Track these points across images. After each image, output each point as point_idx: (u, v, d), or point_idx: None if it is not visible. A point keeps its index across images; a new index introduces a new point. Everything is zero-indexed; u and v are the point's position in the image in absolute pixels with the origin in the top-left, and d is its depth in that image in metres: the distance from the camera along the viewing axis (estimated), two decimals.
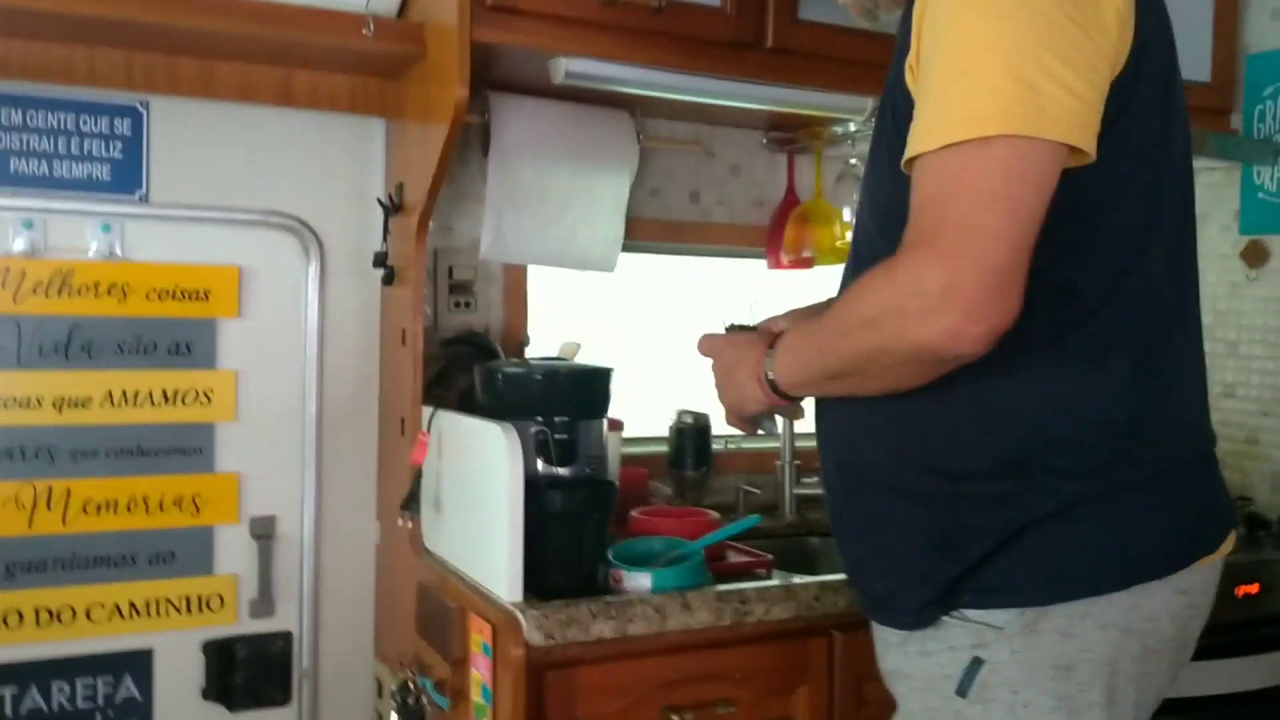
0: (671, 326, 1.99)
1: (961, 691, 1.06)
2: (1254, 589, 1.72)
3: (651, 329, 2.06)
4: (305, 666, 1.74)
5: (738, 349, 1.21)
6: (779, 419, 1.39)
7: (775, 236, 2.01)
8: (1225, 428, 2.10)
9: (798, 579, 1.45)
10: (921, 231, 0.92)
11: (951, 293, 0.88)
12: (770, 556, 1.55)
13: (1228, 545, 1.12)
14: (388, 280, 1.71)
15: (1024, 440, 1.03)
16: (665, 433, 1.96)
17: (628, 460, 1.82)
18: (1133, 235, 1.03)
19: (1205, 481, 1.09)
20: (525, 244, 1.71)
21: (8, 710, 1.59)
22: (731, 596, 1.36)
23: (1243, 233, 2.07)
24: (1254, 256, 2.05)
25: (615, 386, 1.47)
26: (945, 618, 1.08)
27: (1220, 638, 1.67)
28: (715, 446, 1.97)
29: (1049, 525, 1.03)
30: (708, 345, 1.27)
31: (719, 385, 1.25)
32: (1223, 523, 1.10)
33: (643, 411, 1.95)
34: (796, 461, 1.94)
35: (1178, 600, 1.06)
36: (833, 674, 1.42)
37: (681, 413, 1.96)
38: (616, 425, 1.68)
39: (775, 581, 1.44)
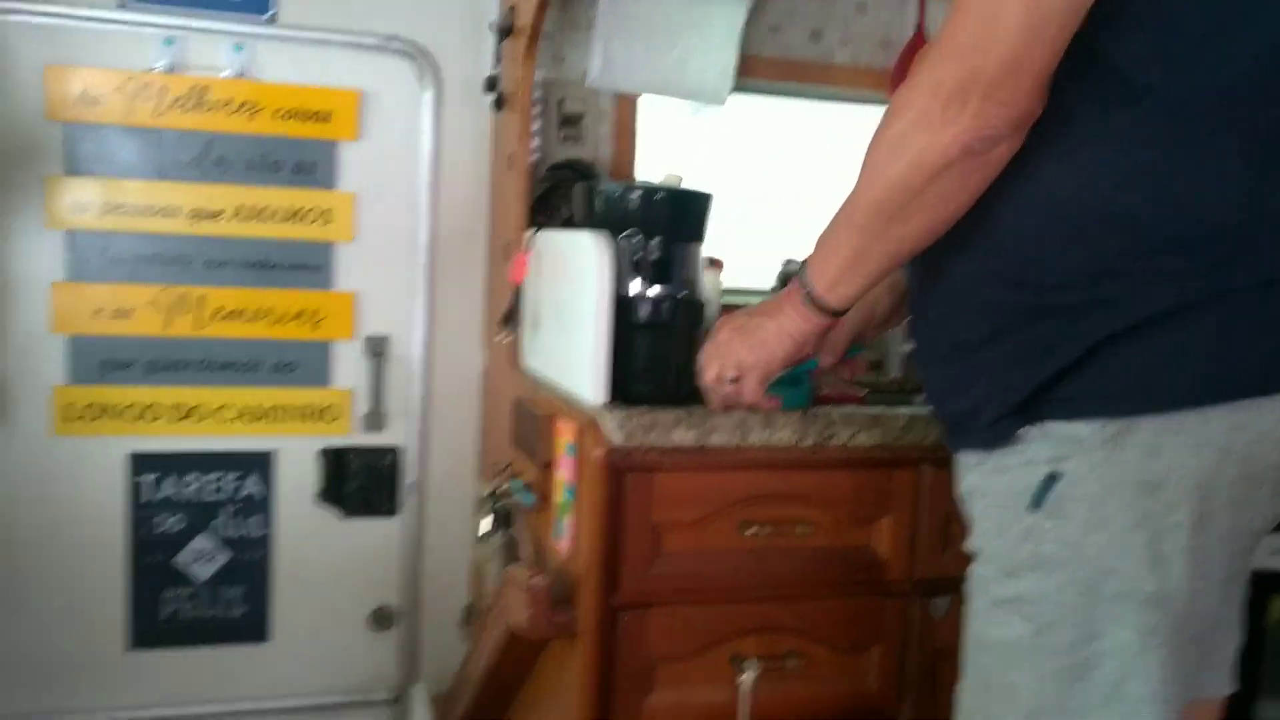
0: (783, 177, 1.95)
1: (1036, 505, 1.03)
2: None
3: (763, 180, 2.03)
4: (412, 480, 1.83)
5: (755, 309, 1.18)
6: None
7: (900, 80, 1.92)
8: None
9: (888, 408, 1.42)
10: (940, 33, 0.92)
11: (970, 80, 0.90)
12: (864, 392, 1.53)
13: None
14: (498, 105, 1.72)
15: (1123, 241, 0.95)
16: (772, 285, 1.94)
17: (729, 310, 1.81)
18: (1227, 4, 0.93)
19: None
20: (634, 71, 1.70)
21: (146, 495, 1.74)
22: (817, 417, 1.36)
23: None
24: None
25: (720, 231, 1.47)
26: (1024, 430, 1.04)
27: None
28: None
29: (1145, 332, 0.95)
30: (719, 333, 1.21)
31: (731, 350, 1.19)
32: None
33: (749, 265, 1.93)
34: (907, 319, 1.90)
35: None
36: (917, 508, 1.41)
37: (788, 262, 1.94)
38: (716, 264, 1.68)
39: (860, 409, 1.42)
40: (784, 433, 1.34)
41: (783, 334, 1.16)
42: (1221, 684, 1.22)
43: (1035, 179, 0.96)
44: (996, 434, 1.06)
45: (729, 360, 1.20)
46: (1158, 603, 0.98)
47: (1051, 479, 1.01)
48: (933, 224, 1.01)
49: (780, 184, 1.99)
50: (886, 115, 0.98)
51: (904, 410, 1.41)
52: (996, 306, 1.05)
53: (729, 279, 1.80)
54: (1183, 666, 1.03)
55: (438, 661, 1.85)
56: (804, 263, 1.12)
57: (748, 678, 1.33)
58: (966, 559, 1.14)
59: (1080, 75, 0.95)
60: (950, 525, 1.39)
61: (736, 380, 1.20)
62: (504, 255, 1.72)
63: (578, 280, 1.37)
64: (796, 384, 1.37)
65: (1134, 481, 0.97)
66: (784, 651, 1.37)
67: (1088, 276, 0.97)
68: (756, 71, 1.85)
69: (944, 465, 1.34)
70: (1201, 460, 0.96)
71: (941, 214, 1.00)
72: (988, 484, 1.09)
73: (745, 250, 1.88)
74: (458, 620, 1.87)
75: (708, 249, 1.51)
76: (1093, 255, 0.97)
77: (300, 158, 1.74)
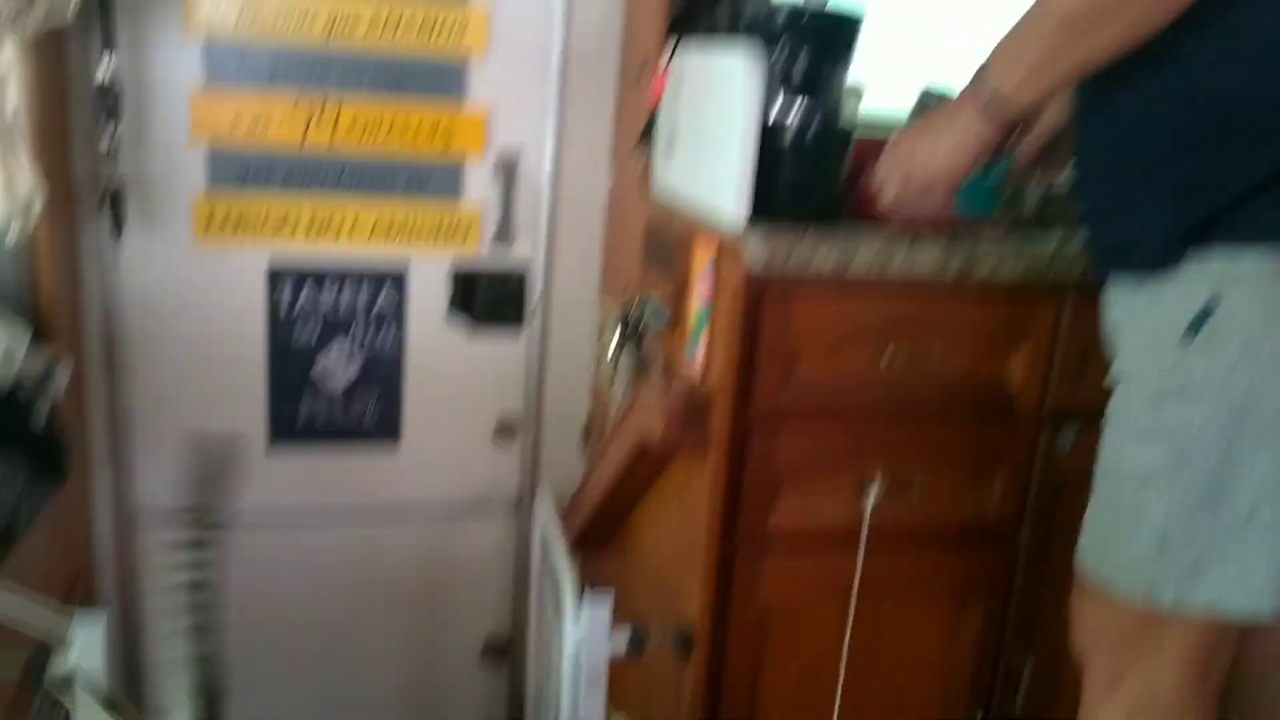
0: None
1: (1192, 332, 1.02)
2: None
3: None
4: (539, 296, 1.87)
5: (929, 118, 1.18)
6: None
7: None
8: None
9: (1034, 239, 1.40)
10: None
11: None
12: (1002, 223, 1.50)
13: None
14: None
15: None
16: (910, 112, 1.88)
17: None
18: None
19: None
20: None
21: (286, 299, 1.81)
22: (961, 247, 1.34)
23: None
24: None
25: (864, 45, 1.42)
26: (1190, 254, 1.03)
27: None
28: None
29: None
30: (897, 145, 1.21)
31: (909, 157, 1.18)
32: None
33: (884, 89, 1.87)
34: None
35: None
36: (1057, 337, 1.40)
37: (927, 91, 1.87)
38: (856, 90, 1.63)
39: (1007, 238, 1.40)
40: (927, 259, 1.33)
41: (968, 138, 1.14)
42: None
43: (1230, 2, 0.93)
44: (1163, 256, 1.04)
45: (916, 172, 1.19)
46: None
47: (1209, 309, 1.00)
48: (1126, 38, 0.98)
49: (917, 6, 1.91)
50: None
51: (1050, 241, 1.39)
52: (1178, 128, 1.02)
53: (877, 105, 1.76)
54: None
55: (557, 474, 1.93)
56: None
57: (871, 496, 1.37)
58: (1098, 394, 1.14)
59: None
60: (1087, 359, 1.39)
61: (923, 193, 1.20)
62: (638, 74, 1.70)
63: (724, 102, 1.35)
64: (987, 189, 1.35)
65: None
66: (909, 474, 1.40)
67: (1275, 105, 0.94)
68: None
69: (1087, 299, 1.33)
70: None
71: (1139, 28, 0.97)
72: (1142, 311, 1.08)
73: (879, 74, 1.82)
74: (578, 436, 1.94)
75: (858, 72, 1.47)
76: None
77: None
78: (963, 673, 1.49)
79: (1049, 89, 1.08)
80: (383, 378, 1.86)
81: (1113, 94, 1.08)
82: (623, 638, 1.38)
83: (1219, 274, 1.01)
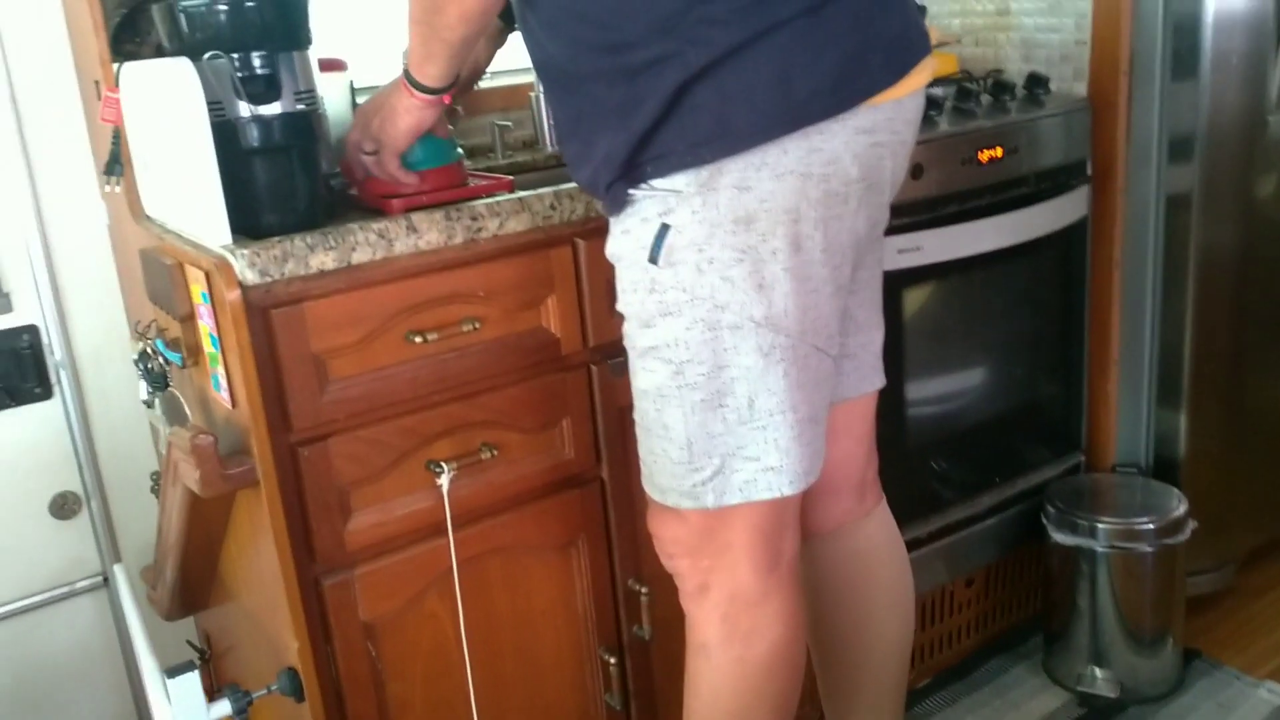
0: None
1: (653, 259, 1.08)
2: (998, 153, 1.77)
3: None
4: (60, 357, 1.67)
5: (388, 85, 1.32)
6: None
7: None
8: (977, 2, 2.09)
9: (531, 192, 1.41)
10: None
11: None
12: (511, 178, 1.50)
13: (918, 78, 1.11)
14: None
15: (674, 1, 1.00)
16: None
17: None
18: None
19: (875, 9, 1.06)
20: None
21: None
22: (460, 213, 1.33)
23: None
24: None
25: (348, 28, 1.38)
26: (634, 192, 1.08)
27: (968, 203, 1.76)
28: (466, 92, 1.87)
29: (709, 79, 1.01)
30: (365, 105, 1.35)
31: (370, 124, 1.31)
32: (904, 52, 1.08)
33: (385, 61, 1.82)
34: None
35: (860, 140, 1.06)
36: (579, 280, 1.43)
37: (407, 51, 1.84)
38: (336, 65, 1.56)
39: (505, 196, 1.40)
40: (431, 234, 1.31)
41: (401, 109, 1.27)
42: (871, 380, 1.36)
43: None
44: (614, 199, 1.10)
45: (369, 131, 1.32)
46: (770, 324, 1.07)
47: (663, 231, 1.06)
48: (466, 13, 1.10)
49: None
50: None
51: (548, 190, 1.40)
52: (591, 77, 1.08)
53: (364, 78, 1.70)
54: (813, 375, 1.13)
55: (139, 535, 1.77)
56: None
57: (445, 479, 1.35)
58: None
59: None
60: (612, 291, 1.43)
61: (375, 153, 1.32)
62: (97, 96, 1.53)
63: (172, 115, 1.25)
64: (435, 146, 1.37)
65: (730, 220, 1.04)
66: (477, 446, 1.39)
67: (653, 35, 1.01)
68: None
69: (598, 235, 1.37)
70: (785, 187, 1.03)
71: (470, 6, 1.10)
72: (619, 246, 1.14)
73: (379, 42, 1.76)
74: (150, 489, 1.78)
75: (326, 51, 1.41)
76: (652, 12, 1.01)
77: None
78: (585, 617, 1.53)
79: (442, 64, 1.20)
80: None
81: (544, 57, 1.16)
82: (222, 705, 1.29)
83: (662, 200, 1.07)
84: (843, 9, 1.02)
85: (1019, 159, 1.80)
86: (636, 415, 1.21)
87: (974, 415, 1.89)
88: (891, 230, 1.61)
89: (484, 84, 1.91)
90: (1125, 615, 1.83)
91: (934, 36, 1.37)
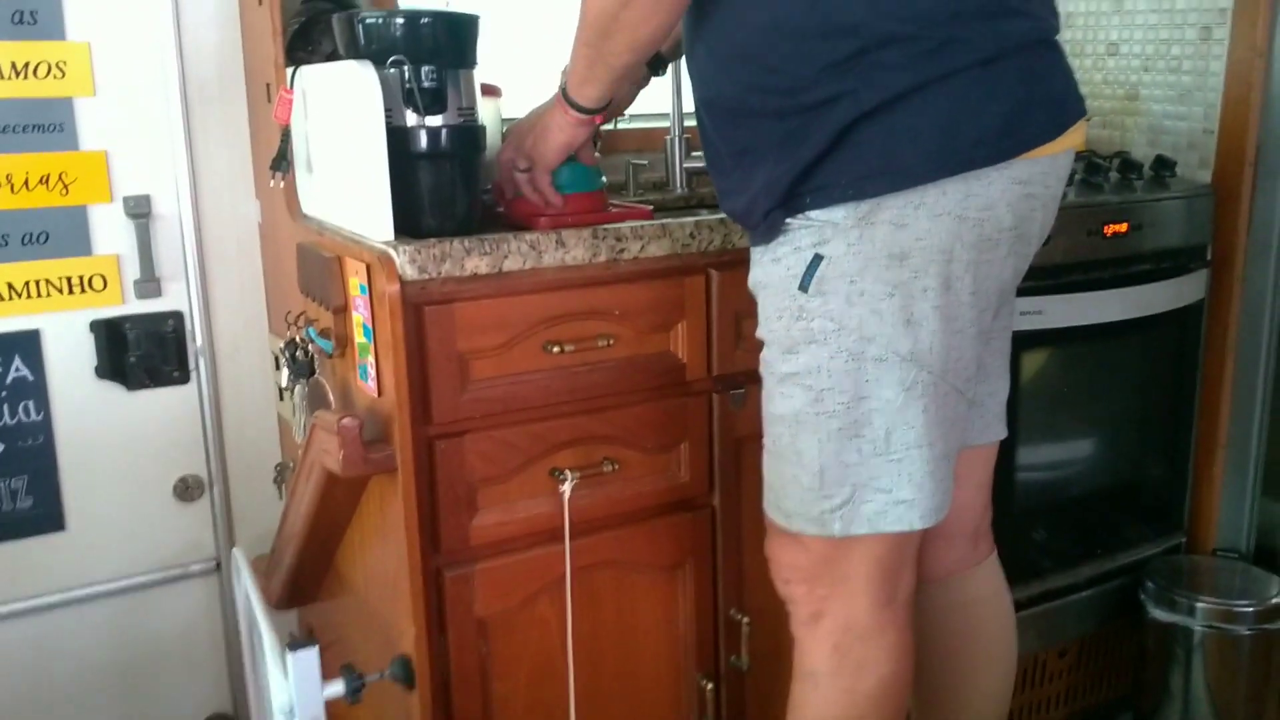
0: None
1: (804, 286, 1.11)
2: (1123, 228, 1.79)
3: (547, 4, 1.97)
4: (200, 344, 1.75)
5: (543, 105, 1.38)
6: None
7: None
8: (1107, 85, 2.12)
9: (674, 219, 1.47)
10: None
11: None
12: (651, 207, 1.56)
13: (1073, 138, 1.14)
14: None
15: (849, 41, 1.05)
16: None
17: None
18: None
19: (1043, 69, 1.10)
20: None
21: None
22: (607, 233, 1.38)
23: None
24: None
25: (503, 58, 1.45)
26: (791, 221, 1.12)
27: (1090, 273, 1.78)
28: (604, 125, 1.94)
29: (879, 118, 1.05)
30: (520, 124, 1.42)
31: (524, 142, 1.38)
32: (1063, 112, 1.12)
33: (537, 91, 1.90)
34: (685, 135, 1.94)
35: (1015, 190, 1.10)
36: (710, 309, 1.47)
37: (564, 73, 1.91)
38: (493, 91, 1.64)
39: (648, 222, 1.45)
40: (577, 251, 1.36)
41: (556, 126, 1.34)
42: (994, 430, 1.37)
43: (765, 4, 1.08)
44: (769, 227, 1.14)
45: (522, 149, 1.38)
46: (914, 360, 1.10)
47: (816, 261, 1.10)
48: (636, 42, 1.16)
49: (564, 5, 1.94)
50: None
51: (690, 219, 1.45)
52: (759, 113, 1.13)
53: (514, 107, 1.77)
54: (949, 414, 1.15)
55: (256, 525, 1.83)
56: (564, 68, 1.28)
57: (567, 487, 1.39)
58: (759, 350, 1.22)
59: None
60: (742, 323, 1.47)
61: (527, 170, 1.38)
62: (264, 97, 1.63)
63: (348, 116, 1.32)
64: (583, 171, 1.44)
65: (885, 254, 1.07)
66: (599, 459, 1.42)
67: (826, 76, 1.06)
68: None
69: (732, 267, 1.42)
70: (941, 228, 1.07)
71: (642, 34, 1.15)
72: (767, 274, 1.17)
73: (531, 76, 1.84)
74: (272, 480, 1.84)
75: (486, 76, 1.48)
76: (825, 57, 1.06)
77: (17, 5, 1.57)
78: (685, 640, 1.54)
79: (603, 87, 1.27)
80: (31, 456, 1.68)
81: (708, 93, 1.22)
82: (337, 684, 1.32)
83: (818, 230, 1.11)
84: (1013, 64, 1.06)
85: (1141, 236, 1.81)
86: (767, 440, 1.23)
87: (1080, 485, 1.89)
88: (1017, 292, 1.65)
89: (622, 125, 2.00)
90: (1217, 700, 1.80)
91: None
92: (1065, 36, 2.17)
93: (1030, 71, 1.09)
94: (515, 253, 1.32)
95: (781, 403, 1.19)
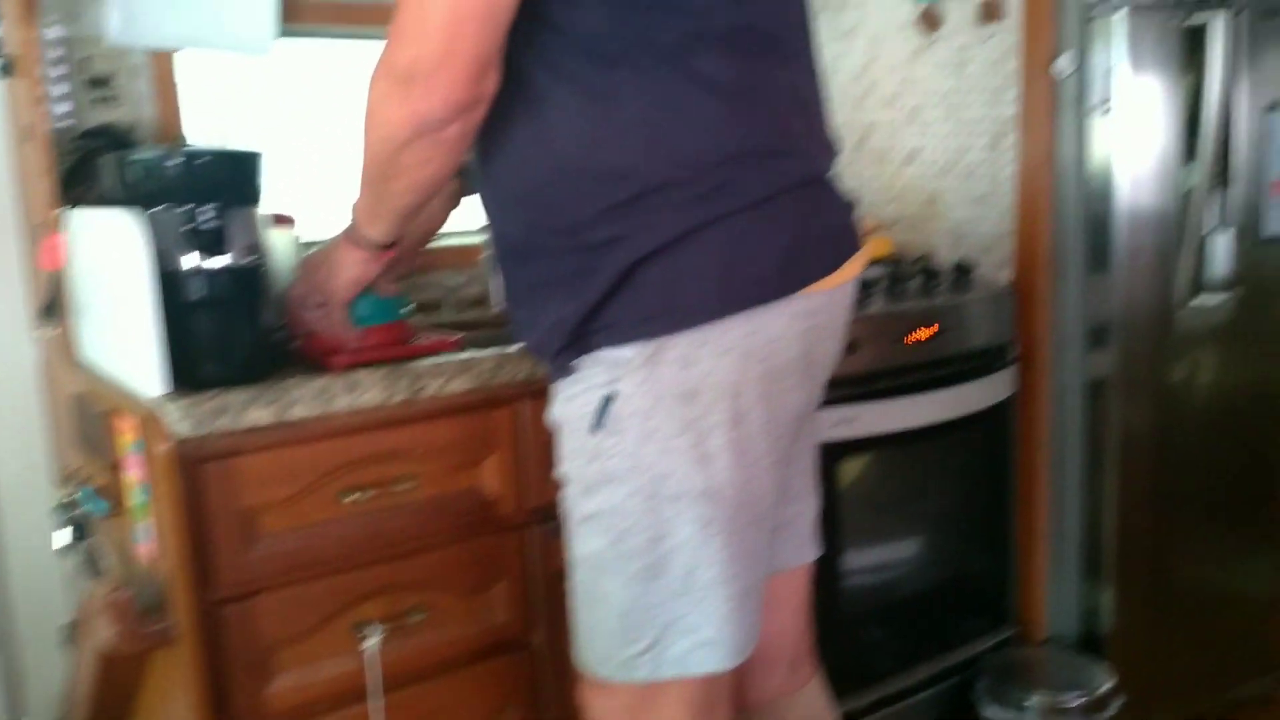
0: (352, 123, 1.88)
1: (597, 426, 1.09)
2: (929, 332, 1.84)
3: (332, 127, 1.94)
4: None
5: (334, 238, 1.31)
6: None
7: None
8: (909, 192, 2.21)
9: (476, 352, 1.43)
10: (395, 12, 1.01)
11: (413, 67, 1.00)
12: (460, 335, 1.52)
13: (851, 269, 1.16)
14: (6, 71, 1.52)
15: (626, 185, 1.05)
16: None
17: None
18: None
19: (817, 206, 1.12)
20: (162, 25, 1.55)
21: None
22: (403, 372, 1.34)
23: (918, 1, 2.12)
24: (928, 22, 2.10)
25: (295, 184, 1.40)
26: (581, 360, 1.11)
27: (900, 379, 1.82)
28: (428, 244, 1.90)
29: (659, 259, 1.05)
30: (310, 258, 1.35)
31: (315, 277, 1.32)
32: (840, 247, 1.14)
33: (334, 213, 1.86)
34: None
35: (799, 323, 1.10)
36: (519, 442, 1.44)
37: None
38: (285, 221, 1.59)
39: (450, 356, 1.41)
40: (371, 393, 1.31)
41: (346, 262, 1.28)
42: (806, 551, 1.36)
43: (543, 142, 1.08)
44: (560, 366, 1.12)
45: (313, 284, 1.32)
46: (710, 496, 1.08)
47: (608, 400, 1.08)
48: (416, 186, 1.13)
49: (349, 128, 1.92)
50: (369, 86, 1.06)
51: (493, 351, 1.42)
52: (545, 252, 1.11)
53: (311, 232, 1.72)
54: (751, 547, 1.14)
55: (47, 688, 1.68)
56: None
57: (372, 643, 1.31)
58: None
59: (551, 48, 1.05)
60: (553, 454, 1.43)
61: (321, 306, 1.33)
62: (39, 240, 1.53)
63: (116, 264, 1.25)
64: (381, 303, 1.38)
65: (674, 392, 1.06)
66: (407, 608, 1.36)
67: (605, 217, 1.06)
68: (303, 16, 1.75)
69: (541, 396, 1.38)
70: (727, 365, 1.06)
71: (420, 178, 1.12)
72: (563, 411, 1.15)
73: (327, 199, 1.80)
74: (60, 641, 1.70)
75: (277, 206, 1.43)
76: (604, 200, 1.06)
77: None
78: None
79: (389, 224, 1.23)
80: None
81: (498, 231, 1.21)
82: None
83: (608, 369, 1.09)
84: (787, 204, 1.08)
85: (947, 339, 1.87)
86: (573, 583, 1.19)
87: (909, 586, 1.90)
88: (828, 402, 1.66)
89: (437, 243, 1.97)
90: None
91: (868, 224, 1.44)
92: (870, 144, 2.26)
93: (805, 209, 1.10)
94: (302, 400, 1.26)
95: (583, 544, 1.16)
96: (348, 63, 1.92)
